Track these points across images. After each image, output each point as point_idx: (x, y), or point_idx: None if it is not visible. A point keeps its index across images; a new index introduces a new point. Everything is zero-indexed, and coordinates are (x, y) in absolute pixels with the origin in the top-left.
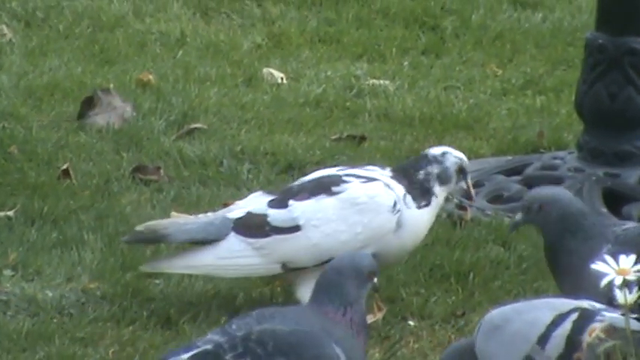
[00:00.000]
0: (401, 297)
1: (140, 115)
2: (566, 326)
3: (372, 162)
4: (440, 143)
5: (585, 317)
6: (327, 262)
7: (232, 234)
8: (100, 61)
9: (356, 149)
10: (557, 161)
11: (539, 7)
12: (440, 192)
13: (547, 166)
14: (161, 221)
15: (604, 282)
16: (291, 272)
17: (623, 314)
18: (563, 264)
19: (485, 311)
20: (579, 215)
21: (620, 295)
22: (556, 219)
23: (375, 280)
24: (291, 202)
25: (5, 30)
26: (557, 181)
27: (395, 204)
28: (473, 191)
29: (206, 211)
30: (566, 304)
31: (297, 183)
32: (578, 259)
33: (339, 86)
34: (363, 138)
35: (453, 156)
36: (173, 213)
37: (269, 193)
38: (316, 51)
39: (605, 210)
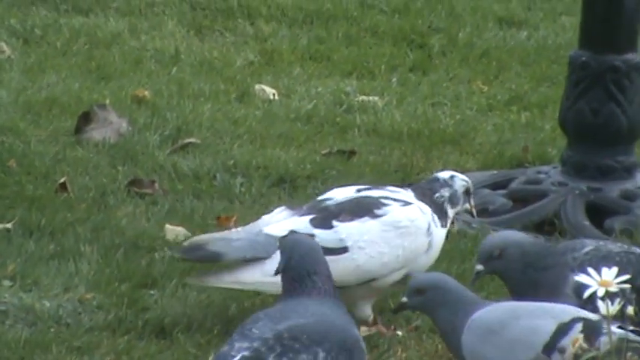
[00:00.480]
0: (390, 307)
1: (135, 129)
2: (574, 337)
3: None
4: (426, 158)
5: (590, 329)
6: (368, 281)
7: (278, 253)
8: (96, 77)
9: (346, 164)
10: (542, 175)
11: (524, 25)
12: (451, 213)
13: (531, 180)
14: (202, 237)
15: (587, 293)
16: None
17: (620, 327)
18: (530, 296)
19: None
20: (537, 249)
21: (602, 306)
22: (517, 258)
23: None
24: (335, 222)
25: (4, 47)
26: (542, 194)
27: (429, 227)
28: (475, 211)
29: (199, 224)
30: (565, 312)
31: (330, 202)
32: (544, 289)
33: (329, 102)
34: (352, 152)
35: (460, 179)
36: (167, 226)
37: (292, 209)
38: (307, 68)
39: (587, 223)
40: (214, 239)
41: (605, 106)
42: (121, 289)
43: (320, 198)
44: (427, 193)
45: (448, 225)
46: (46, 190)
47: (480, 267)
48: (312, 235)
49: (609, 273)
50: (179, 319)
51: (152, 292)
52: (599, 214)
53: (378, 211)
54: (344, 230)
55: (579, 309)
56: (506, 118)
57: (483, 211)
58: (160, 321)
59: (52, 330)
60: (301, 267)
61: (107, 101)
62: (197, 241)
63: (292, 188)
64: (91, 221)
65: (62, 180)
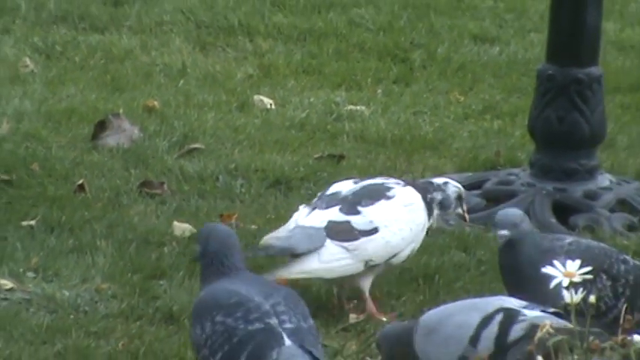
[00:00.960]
0: (375, 296)
1: (146, 136)
2: (494, 328)
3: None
4: (409, 162)
5: (509, 318)
6: (392, 257)
7: (328, 241)
8: (111, 89)
9: (335, 167)
10: (512, 177)
11: (496, 41)
12: (436, 215)
13: (503, 181)
14: (267, 239)
15: (553, 283)
16: (367, 269)
17: (543, 311)
18: (516, 278)
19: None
20: (534, 234)
21: (567, 295)
22: (530, 231)
23: None
24: (360, 208)
25: (28, 62)
26: (512, 194)
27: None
28: (467, 215)
29: (204, 221)
30: (490, 304)
31: (342, 194)
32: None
33: (320, 111)
34: (341, 157)
35: (453, 186)
36: (175, 223)
37: (311, 205)
38: (301, 80)
39: (554, 220)
40: (280, 238)
41: (569, 115)
42: (133, 279)
43: (328, 192)
44: (421, 191)
45: (429, 222)
46: (66, 190)
47: (505, 232)
48: (348, 222)
49: (573, 265)
50: (186, 307)
51: (161, 282)
52: (564, 212)
53: (388, 194)
54: (370, 213)
55: (508, 300)
56: (481, 125)
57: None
58: (168, 308)
59: (71, 317)
60: (219, 251)
61: (121, 111)
62: (267, 242)
63: (287, 189)
64: (106, 219)
65: (80, 182)
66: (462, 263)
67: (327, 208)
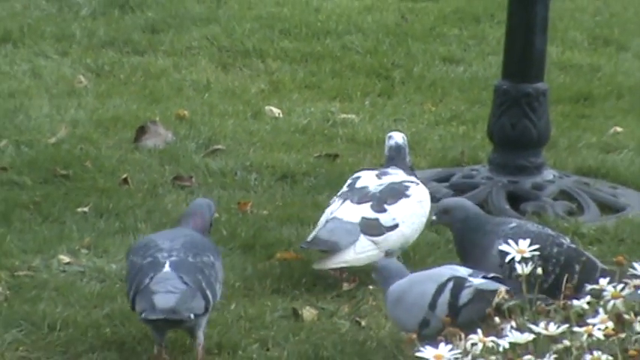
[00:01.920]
0: (363, 268)
1: (178, 139)
2: (447, 295)
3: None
4: None
5: (458, 285)
6: (405, 244)
7: (362, 235)
8: (149, 101)
9: (331, 164)
10: (474, 172)
11: (461, 62)
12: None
13: (467, 175)
14: (315, 234)
15: (508, 258)
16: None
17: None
18: (468, 252)
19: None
20: (479, 217)
21: (519, 268)
22: (460, 219)
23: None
24: (386, 206)
25: (82, 79)
26: (474, 186)
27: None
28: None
29: (225, 208)
30: (443, 274)
31: (371, 190)
32: (480, 248)
33: (319, 119)
34: (336, 156)
35: (400, 136)
36: None
37: (342, 197)
38: (303, 94)
39: (508, 207)
40: (324, 232)
41: (520, 122)
42: None
43: (357, 186)
44: (405, 163)
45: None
46: (113, 183)
47: (433, 218)
48: (377, 219)
49: (524, 244)
50: None
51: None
52: (516, 201)
53: (407, 192)
54: (393, 211)
55: (457, 269)
56: (449, 130)
57: (432, 198)
58: None
59: (117, 285)
60: (184, 214)
61: (157, 118)
62: (315, 237)
63: (292, 182)
64: (146, 206)
65: (124, 176)
66: (433, 242)
67: (359, 203)
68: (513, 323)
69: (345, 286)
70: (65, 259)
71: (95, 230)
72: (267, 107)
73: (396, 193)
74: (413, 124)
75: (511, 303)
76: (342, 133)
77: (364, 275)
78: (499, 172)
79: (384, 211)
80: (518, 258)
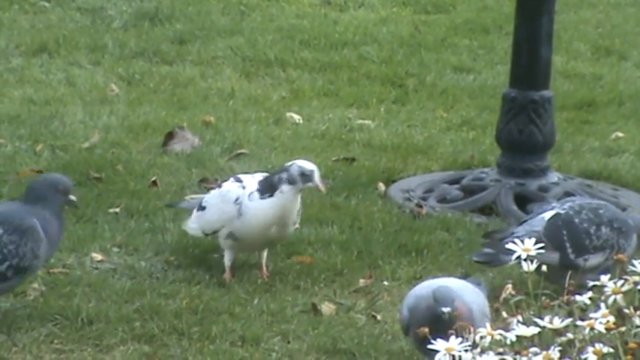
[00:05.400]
0: (379, 265)
1: (204, 144)
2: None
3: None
4: (404, 163)
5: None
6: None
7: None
8: (177, 107)
9: (349, 167)
10: (483, 175)
11: (471, 71)
12: (287, 189)
13: (476, 178)
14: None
15: (514, 256)
16: None
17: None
18: None
19: (434, 276)
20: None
21: (525, 265)
22: None
23: (72, 197)
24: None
25: (114, 87)
26: (483, 188)
27: (237, 198)
28: (322, 187)
29: None
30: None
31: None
32: None
33: (337, 125)
34: (353, 159)
35: (297, 165)
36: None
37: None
38: (322, 101)
39: (515, 207)
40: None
41: (527, 127)
42: (194, 253)
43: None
44: (269, 177)
45: (276, 194)
46: (143, 185)
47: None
48: (201, 198)
49: (530, 242)
50: (235, 273)
51: (215, 255)
52: (523, 202)
53: (221, 183)
54: (208, 195)
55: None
56: (459, 135)
57: (443, 199)
58: (220, 274)
59: (146, 282)
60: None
61: (185, 124)
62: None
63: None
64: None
65: (154, 178)
66: (445, 241)
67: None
68: (520, 317)
69: (362, 282)
70: (98, 256)
71: (126, 230)
72: (288, 114)
73: (225, 180)
74: (426, 130)
75: (517, 298)
76: (358, 138)
77: (379, 272)
78: (507, 175)
79: (208, 192)
80: (524, 256)
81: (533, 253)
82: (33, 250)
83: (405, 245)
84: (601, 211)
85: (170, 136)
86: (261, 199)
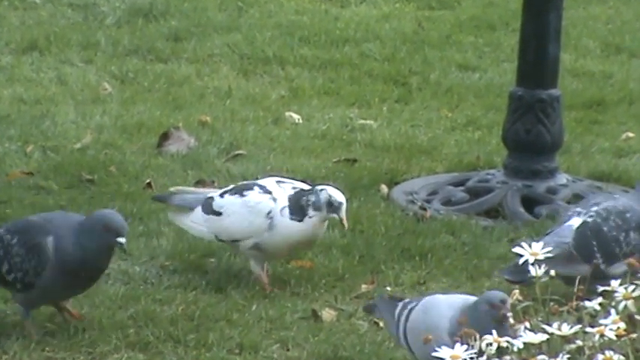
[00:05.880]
0: (382, 270)
1: (200, 144)
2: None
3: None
4: (408, 164)
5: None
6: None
7: (199, 207)
8: (172, 107)
9: (350, 168)
10: (490, 176)
11: (476, 69)
12: (313, 215)
13: (482, 179)
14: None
15: (521, 260)
16: None
17: None
18: None
19: (438, 281)
20: None
21: (533, 270)
22: None
23: (121, 239)
24: (228, 195)
25: (107, 86)
26: (489, 190)
27: (270, 211)
28: (346, 223)
29: None
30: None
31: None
32: None
33: (338, 124)
34: (355, 160)
35: (327, 193)
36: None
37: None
38: (322, 100)
39: (522, 210)
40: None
41: (534, 127)
42: (190, 258)
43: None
44: (300, 194)
45: (305, 220)
46: (137, 187)
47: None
48: (211, 198)
49: (537, 246)
50: (231, 279)
51: (212, 260)
52: (531, 204)
53: (244, 192)
54: (224, 201)
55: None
56: (465, 135)
57: (448, 202)
58: (217, 281)
59: (141, 287)
60: None
61: (180, 124)
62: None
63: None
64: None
65: (148, 180)
66: (449, 244)
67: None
68: (527, 324)
69: (364, 287)
70: None
71: None
72: (287, 113)
73: (246, 187)
74: (430, 130)
75: (525, 304)
76: (360, 139)
77: (382, 277)
78: (514, 177)
79: (222, 196)
80: (531, 260)
81: (541, 257)
82: (36, 269)
83: (409, 249)
84: (628, 215)
85: (165, 136)
86: (291, 219)
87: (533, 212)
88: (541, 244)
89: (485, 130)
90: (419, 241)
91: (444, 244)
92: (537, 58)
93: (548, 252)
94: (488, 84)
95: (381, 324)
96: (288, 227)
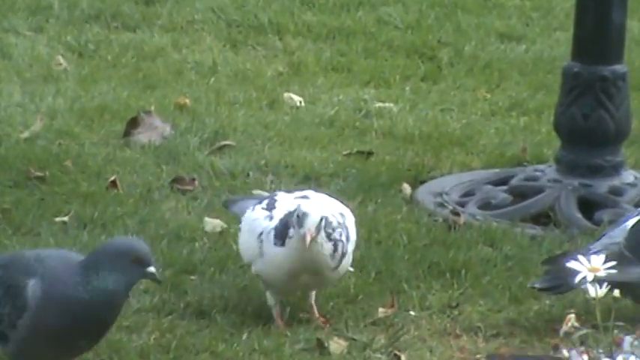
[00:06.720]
0: (403, 290)
1: (178, 133)
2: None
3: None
4: (436, 158)
5: None
6: None
7: None
8: (143, 86)
9: (364, 163)
10: (538, 173)
11: (522, 39)
12: (293, 234)
13: (529, 177)
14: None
15: (578, 278)
16: None
17: None
18: None
19: (474, 303)
20: None
21: (591, 290)
22: None
23: (151, 269)
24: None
25: (61, 60)
26: (538, 190)
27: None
28: (307, 239)
29: (235, 217)
30: None
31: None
32: None
33: (349, 108)
34: (370, 153)
35: (300, 206)
36: (206, 218)
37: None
38: (330, 78)
39: (579, 215)
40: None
41: (594, 112)
42: (165, 274)
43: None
44: (287, 214)
45: (287, 243)
46: (98, 187)
47: None
48: None
49: (598, 259)
50: (216, 301)
51: (192, 277)
52: (589, 208)
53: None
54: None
55: None
56: (507, 122)
57: (487, 205)
58: (199, 303)
59: None
60: None
61: (152, 108)
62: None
63: (317, 185)
64: (138, 214)
65: (112, 178)
66: (488, 258)
67: None
68: (585, 357)
69: (382, 311)
70: None
71: (77, 244)
72: (285, 94)
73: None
74: (464, 115)
75: (582, 332)
76: (377, 126)
77: (404, 299)
78: (568, 174)
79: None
80: (590, 278)
81: (602, 273)
82: (10, 316)
83: (438, 264)
84: None
85: (134, 123)
86: (275, 245)
87: (592, 218)
88: (602, 256)
89: (532, 115)
90: (450, 254)
91: (481, 258)
92: (598, 26)
93: (610, 267)
94: (537, 58)
95: (403, 357)
96: (274, 254)
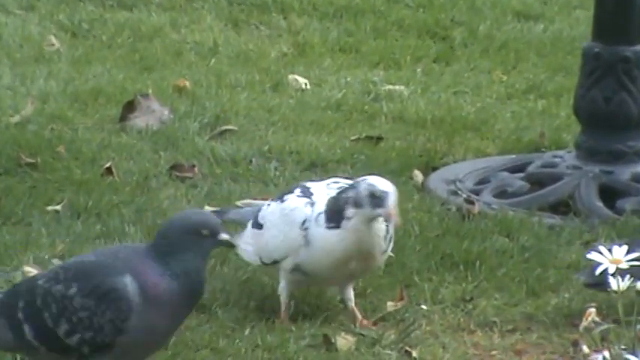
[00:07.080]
0: (415, 283)
1: (176, 117)
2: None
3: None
4: (449, 144)
5: None
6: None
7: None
8: (139, 68)
9: (373, 149)
10: (557, 159)
11: (540, 18)
12: (353, 215)
13: (548, 164)
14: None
15: (598, 270)
16: None
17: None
18: None
19: (490, 297)
20: None
21: (613, 283)
22: None
23: (223, 235)
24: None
25: (53, 40)
26: (557, 177)
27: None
28: (396, 219)
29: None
30: None
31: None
32: None
33: (357, 91)
34: (379, 138)
35: (367, 183)
36: (206, 207)
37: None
38: (337, 59)
39: (600, 204)
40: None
41: (616, 95)
42: None
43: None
44: (338, 195)
45: (343, 225)
46: (93, 174)
47: None
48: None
49: (620, 251)
50: (218, 295)
51: None
52: (611, 196)
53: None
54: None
55: None
56: (524, 105)
57: (502, 193)
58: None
59: None
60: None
61: (150, 91)
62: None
63: (323, 172)
64: (135, 203)
65: (108, 165)
66: (504, 249)
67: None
68: (606, 353)
69: (391, 305)
70: (32, 271)
71: (70, 234)
72: (290, 76)
73: (291, 189)
74: (478, 98)
75: (603, 327)
76: (386, 110)
77: (415, 292)
78: (589, 160)
79: (269, 204)
80: (612, 270)
81: (624, 265)
82: (114, 322)
83: (451, 255)
84: None
85: (130, 106)
86: (327, 228)
87: (614, 207)
88: (625, 247)
89: (551, 98)
90: (464, 245)
91: (496, 249)
92: (620, 4)
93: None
94: (556, 38)
95: (415, 353)
96: (326, 239)
